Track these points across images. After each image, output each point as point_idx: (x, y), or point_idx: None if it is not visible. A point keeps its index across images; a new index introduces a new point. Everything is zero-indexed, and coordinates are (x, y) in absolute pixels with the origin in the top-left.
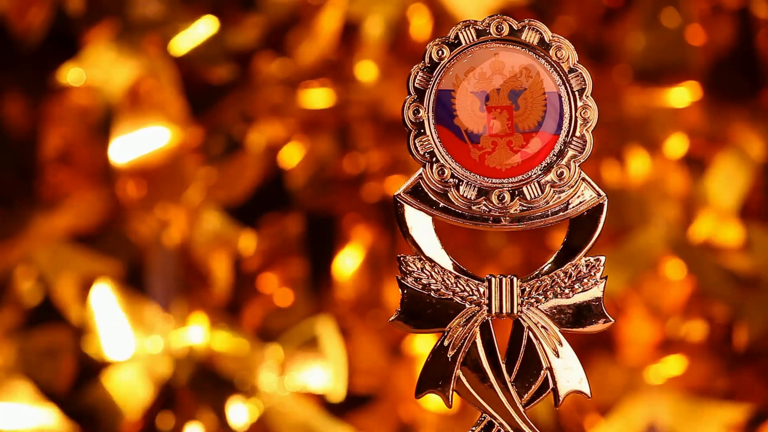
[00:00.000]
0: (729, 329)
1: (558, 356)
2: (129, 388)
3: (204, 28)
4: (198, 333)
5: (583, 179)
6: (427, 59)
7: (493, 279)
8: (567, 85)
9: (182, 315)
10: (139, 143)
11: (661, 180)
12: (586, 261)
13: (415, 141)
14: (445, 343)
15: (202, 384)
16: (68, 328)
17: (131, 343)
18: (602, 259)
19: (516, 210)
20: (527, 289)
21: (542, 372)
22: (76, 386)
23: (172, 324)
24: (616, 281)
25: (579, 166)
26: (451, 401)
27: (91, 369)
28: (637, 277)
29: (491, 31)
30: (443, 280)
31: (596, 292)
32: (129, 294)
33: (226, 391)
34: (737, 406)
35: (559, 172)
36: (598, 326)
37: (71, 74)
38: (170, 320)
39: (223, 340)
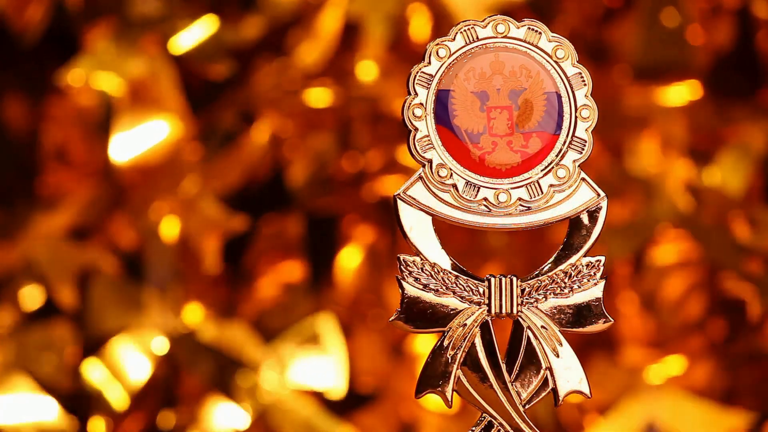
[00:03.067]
0: (729, 327)
1: (558, 356)
2: (128, 379)
3: (203, 26)
4: (194, 326)
5: (583, 179)
6: (427, 59)
7: (492, 279)
8: (567, 85)
9: (179, 307)
10: (138, 141)
11: (665, 170)
12: (586, 261)
13: (415, 141)
14: (445, 343)
15: (201, 373)
16: (67, 323)
17: (130, 334)
18: (602, 259)
19: (516, 210)
20: (527, 289)
21: (542, 372)
22: (74, 380)
23: (169, 315)
24: (620, 249)
25: (579, 166)
26: (451, 401)
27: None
28: (641, 247)
29: (491, 31)
30: (443, 280)
31: (596, 292)
32: (127, 286)
33: (228, 375)
34: (738, 406)
35: (559, 172)
36: (598, 326)
37: (70, 73)
38: (168, 311)
39: (220, 334)
